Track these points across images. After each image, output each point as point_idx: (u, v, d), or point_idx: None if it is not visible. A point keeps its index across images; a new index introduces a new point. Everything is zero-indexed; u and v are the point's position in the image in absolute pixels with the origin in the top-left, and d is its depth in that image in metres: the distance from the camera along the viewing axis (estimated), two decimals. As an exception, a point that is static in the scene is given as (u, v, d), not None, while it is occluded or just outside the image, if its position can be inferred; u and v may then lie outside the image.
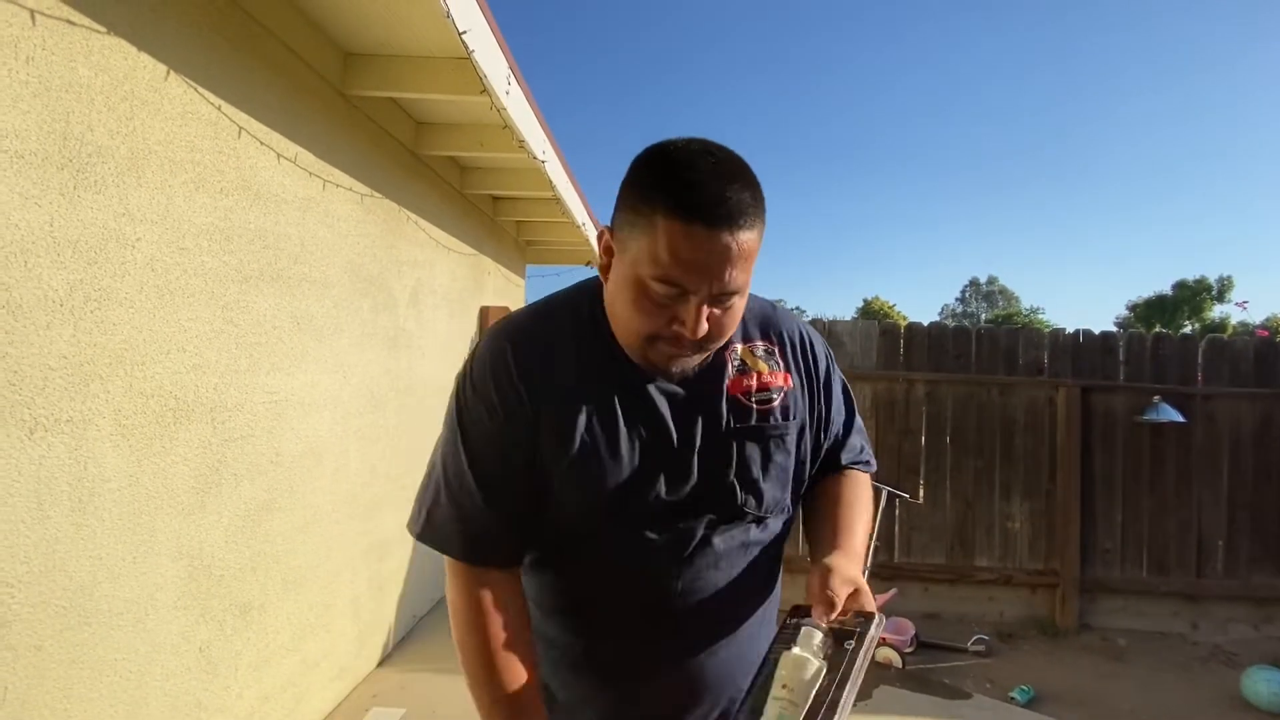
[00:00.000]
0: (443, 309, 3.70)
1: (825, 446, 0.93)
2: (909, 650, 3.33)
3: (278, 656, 2.16)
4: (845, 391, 0.97)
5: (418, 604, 3.44)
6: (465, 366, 0.85)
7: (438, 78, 2.42)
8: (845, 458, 0.94)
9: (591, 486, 0.80)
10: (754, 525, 0.86)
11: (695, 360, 0.81)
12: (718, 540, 0.83)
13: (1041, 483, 4.01)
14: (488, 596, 0.80)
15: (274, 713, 2.14)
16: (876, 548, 3.74)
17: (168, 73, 1.64)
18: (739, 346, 0.87)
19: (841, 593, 0.74)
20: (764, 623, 0.92)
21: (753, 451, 0.84)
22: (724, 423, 0.83)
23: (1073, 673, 3.34)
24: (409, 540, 2.33)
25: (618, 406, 0.81)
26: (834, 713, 0.62)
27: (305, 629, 2.32)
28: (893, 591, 3.55)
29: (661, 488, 0.81)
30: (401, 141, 2.98)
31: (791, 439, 0.87)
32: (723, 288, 0.72)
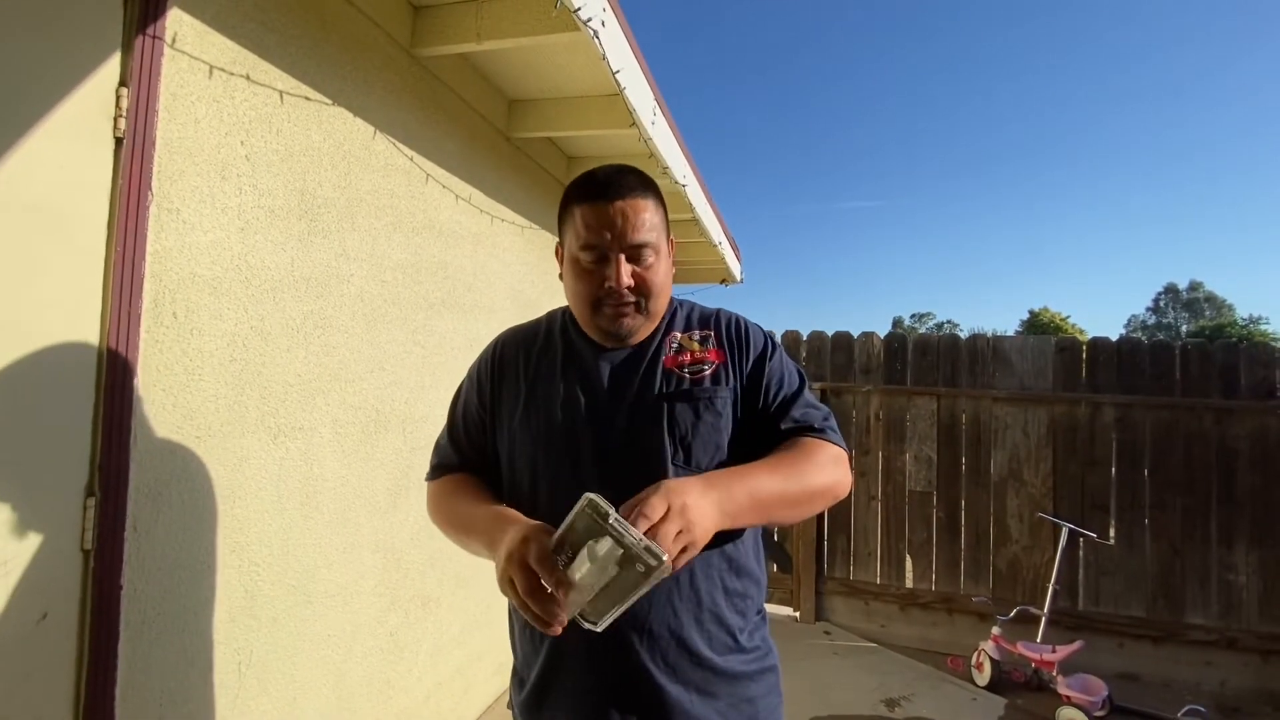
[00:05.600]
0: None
1: (764, 410, 0.99)
2: (1100, 713, 2.91)
3: (449, 647, 2.37)
4: (790, 373, 1.04)
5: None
6: None
7: (590, 115, 2.59)
8: (785, 424, 0.98)
9: (536, 430, 0.98)
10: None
11: (639, 321, 0.98)
12: None
13: (1275, 529, 3.35)
14: (442, 482, 1.06)
15: (446, 698, 2.35)
16: (1056, 592, 3.33)
17: (374, 132, 1.92)
18: (679, 335, 1.03)
19: (651, 502, 0.73)
20: (705, 578, 0.94)
21: (684, 412, 0.95)
22: (658, 388, 0.97)
23: (1329, 765, 2.73)
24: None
25: (561, 371, 1.02)
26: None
27: (472, 624, 2.53)
28: (1078, 644, 3.13)
29: (590, 435, 0.95)
30: (554, 175, 3.21)
31: (722, 402, 0.97)
32: (629, 241, 0.93)
